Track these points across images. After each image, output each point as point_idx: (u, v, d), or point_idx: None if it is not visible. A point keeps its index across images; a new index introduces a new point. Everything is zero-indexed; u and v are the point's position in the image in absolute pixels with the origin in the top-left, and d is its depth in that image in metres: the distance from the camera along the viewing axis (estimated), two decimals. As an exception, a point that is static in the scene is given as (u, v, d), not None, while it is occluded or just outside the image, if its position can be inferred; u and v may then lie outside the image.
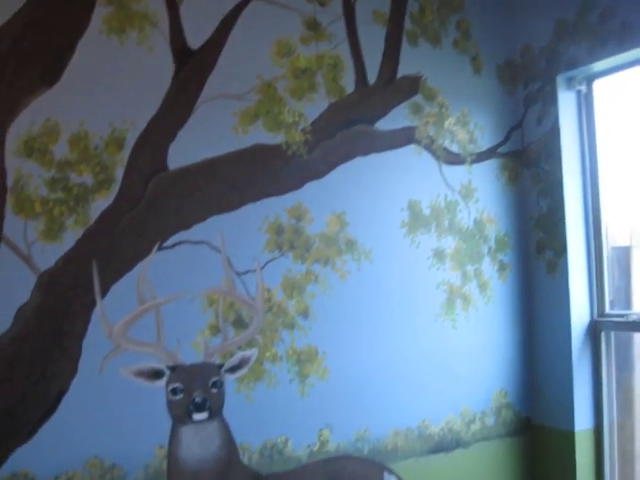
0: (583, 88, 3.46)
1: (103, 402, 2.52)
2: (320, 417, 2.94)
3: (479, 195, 3.42)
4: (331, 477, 2.90)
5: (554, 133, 3.46)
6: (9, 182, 2.45)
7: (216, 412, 2.61)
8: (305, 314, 2.88)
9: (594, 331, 3.40)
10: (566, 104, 3.46)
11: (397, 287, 3.13)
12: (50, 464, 2.45)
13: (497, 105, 3.58)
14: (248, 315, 2.74)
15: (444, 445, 3.27)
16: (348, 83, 3.14)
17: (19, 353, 2.40)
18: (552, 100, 3.47)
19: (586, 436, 3.38)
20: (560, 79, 3.44)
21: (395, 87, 3.25)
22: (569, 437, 3.37)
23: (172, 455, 2.59)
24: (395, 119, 3.24)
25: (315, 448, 2.93)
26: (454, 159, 3.38)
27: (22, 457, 2.41)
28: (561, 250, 3.41)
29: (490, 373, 3.44)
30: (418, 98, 3.30)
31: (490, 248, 3.43)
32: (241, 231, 2.77)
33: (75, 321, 2.48)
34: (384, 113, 3.21)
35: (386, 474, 3.04)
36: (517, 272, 3.53)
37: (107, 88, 2.64)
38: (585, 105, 3.49)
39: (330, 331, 2.94)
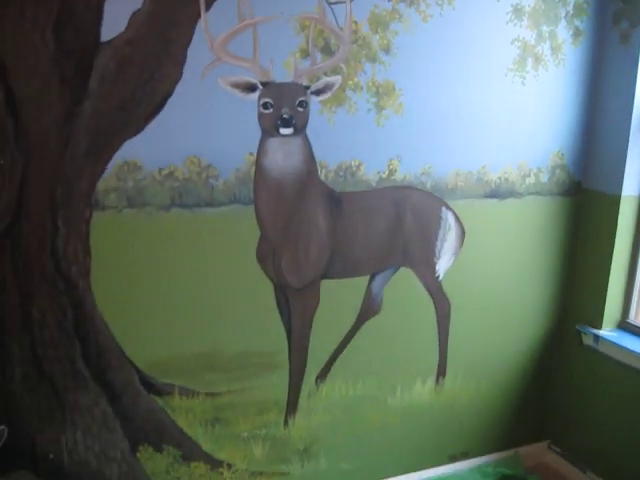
0: None
1: (203, 108, 2.79)
2: (391, 148, 3.19)
3: (563, -46, 3.42)
4: (396, 202, 3.25)
5: None
6: None
7: (300, 129, 2.93)
8: (387, 50, 3.05)
9: (656, 104, 3.50)
10: None
11: (475, 36, 3.24)
12: (155, 157, 2.79)
13: None
14: (335, 44, 2.94)
15: (499, 192, 3.55)
16: None
17: (132, 55, 2.66)
18: None
19: (631, 201, 3.62)
20: None
21: None
22: (615, 201, 3.61)
23: (259, 163, 2.94)
24: None
25: (384, 175, 3.21)
26: None
27: (132, 148, 2.74)
28: (637, 21, 3.42)
29: (550, 133, 3.63)
30: None
31: (568, 12, 3.48)
32: (334, -38, 2.90)
33: (181, 30, 2.70)
34: None
35: (444, 208, 3.39)
36: (591, 39, 3.58)
37: None
38: None
39: (408, 69, 3.11)
